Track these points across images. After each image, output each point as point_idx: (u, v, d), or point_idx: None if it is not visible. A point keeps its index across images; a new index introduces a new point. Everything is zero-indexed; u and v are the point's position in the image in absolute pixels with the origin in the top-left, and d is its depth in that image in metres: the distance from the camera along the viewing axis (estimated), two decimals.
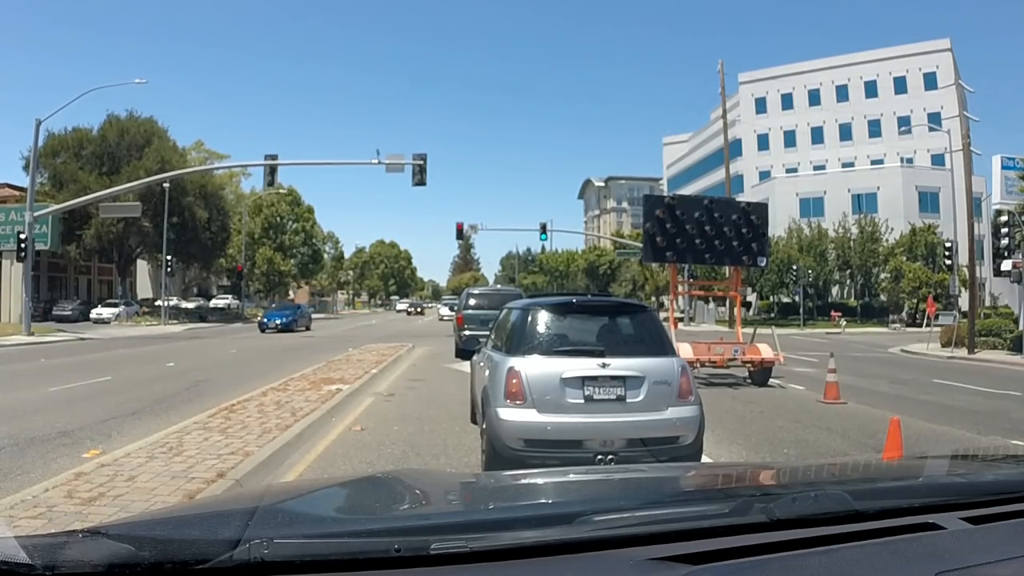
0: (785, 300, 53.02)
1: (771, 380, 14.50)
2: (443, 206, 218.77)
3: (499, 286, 54.28)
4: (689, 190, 59.40)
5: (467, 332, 18.57)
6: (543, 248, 78.63)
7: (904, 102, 60.66)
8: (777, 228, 46.04)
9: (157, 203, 42.10)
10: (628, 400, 5.86)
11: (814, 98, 65.77)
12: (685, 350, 13.30)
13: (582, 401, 5.80)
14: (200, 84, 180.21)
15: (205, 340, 29.19)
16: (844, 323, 43.76)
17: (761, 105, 68.04)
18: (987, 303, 45.68)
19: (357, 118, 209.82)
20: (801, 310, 45.82)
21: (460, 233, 45.47)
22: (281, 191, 61.35)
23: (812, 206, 58.19)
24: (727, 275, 20.60)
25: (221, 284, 68.92)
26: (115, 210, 36.12)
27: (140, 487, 5.32)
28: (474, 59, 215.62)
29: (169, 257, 42.92)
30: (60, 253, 43.27)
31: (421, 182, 28.39)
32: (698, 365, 13.92)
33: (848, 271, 53.45)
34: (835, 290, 56.02)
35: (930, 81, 59.57)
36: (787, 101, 67.08)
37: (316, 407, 9.43)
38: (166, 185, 40.01)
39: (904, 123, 55.52)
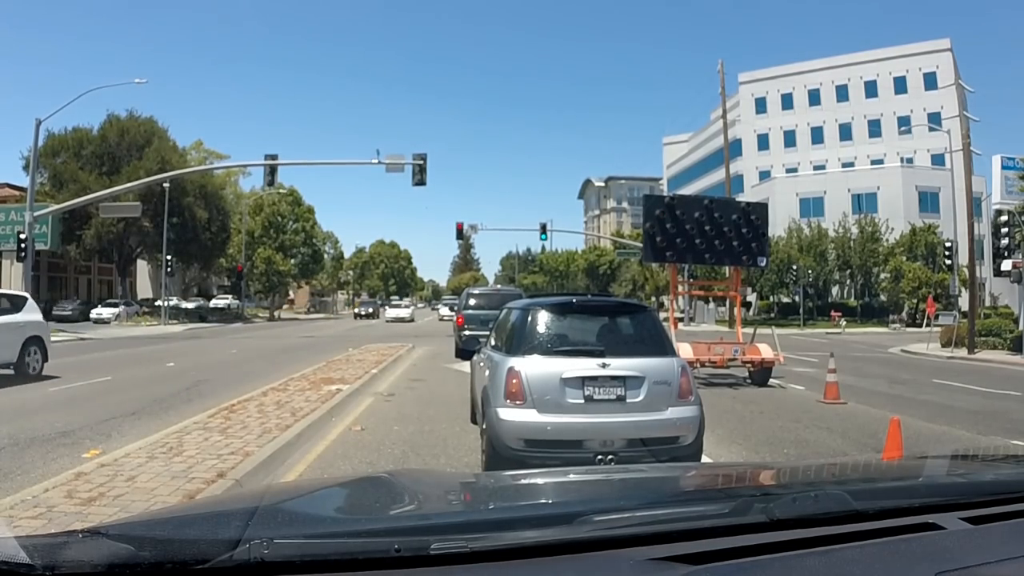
0: (785, 300, 53.01)
1: (771, 380, 14.50)
2: (443, 206, 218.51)
3: (499, 286, 54.34)
4: (689, 190, 59.37)
5: (467, 332, 18.57)
6: (543, 248, 78.69)
7: (904, 102, 60.69)
8: (777, 228, 46.01)
9: (157, 203, 42.10)
10: (628, 400, 5.86)
11: (814, 98, 65.81)
12: (685, 350, 13.29)
13: (582, 401, 5.80)
14: (200, 84, 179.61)
15: (205, 340, 29.18)
16: (844, 323, 43.71)
17: (761, 105, 68.07)
18: (987, 303, 45.68)
19: (357, 119, 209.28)
20: (801, 310, 45.82)
21: (460, 233, 45.48)
22: (282, 191, 61.28)
23: (812, 206, 58.20)
24: (727, 275, 20.59)
25: (221, 284, 69.00)
26: (115, 210, 36.09)
27: (140, 487, 5.32)
28: (474, 59, 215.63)
29: (169, 257, 42.94)
30: (60, 253, 43.30)
31: (421, 182, 28.36)
32: (698, 365, 13.91)
33: (848, 271, 53.45)
34: (835, 290, 56.03)
35: (930, 81, 59.60)
36: (787, 101, 67.11)
37: (316, 407, 9.43)
38: (166, 185, 39.99)
39: (904, 123, 55.53)
